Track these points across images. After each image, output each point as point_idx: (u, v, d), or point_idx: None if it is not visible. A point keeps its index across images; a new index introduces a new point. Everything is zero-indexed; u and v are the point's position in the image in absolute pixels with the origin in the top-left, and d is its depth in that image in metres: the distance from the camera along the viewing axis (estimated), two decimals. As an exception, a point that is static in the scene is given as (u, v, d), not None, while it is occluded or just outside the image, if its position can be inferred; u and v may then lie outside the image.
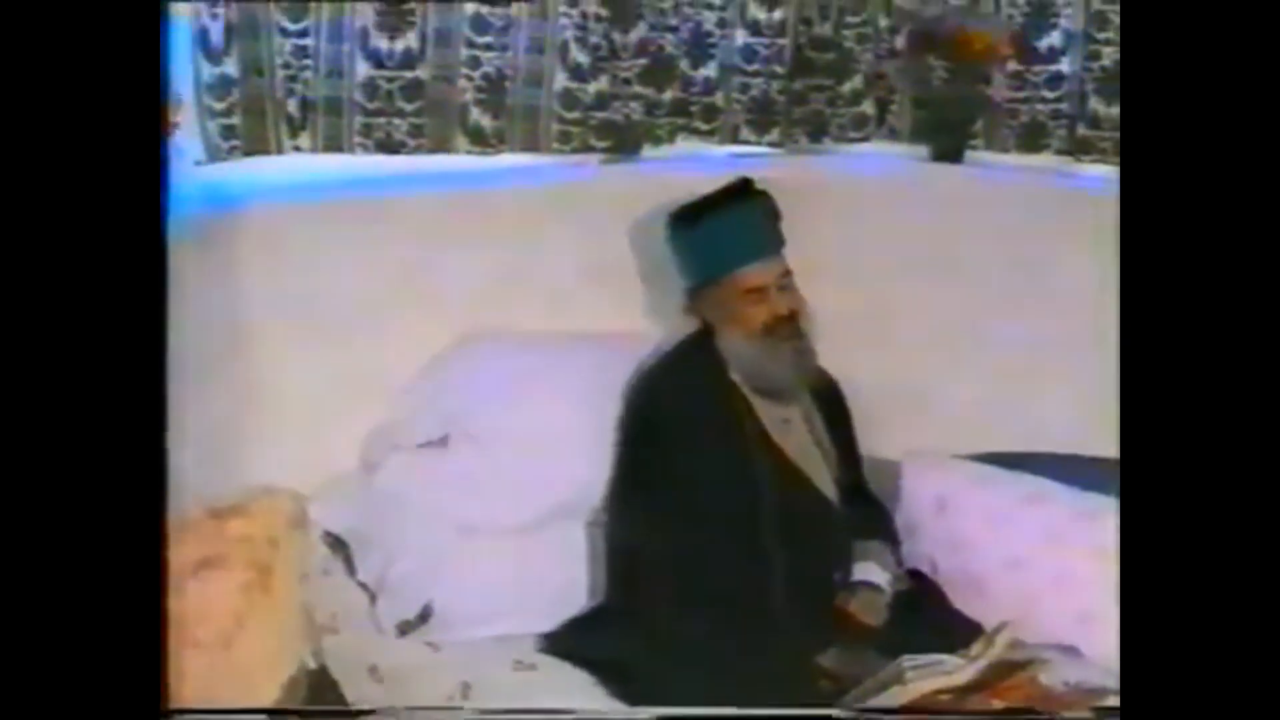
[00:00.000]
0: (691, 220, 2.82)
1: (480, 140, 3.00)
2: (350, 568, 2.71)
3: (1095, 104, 3.24)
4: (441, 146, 2.97)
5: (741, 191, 2.83)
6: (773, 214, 2.82)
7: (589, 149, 3.11)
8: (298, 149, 2.85)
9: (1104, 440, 2.61)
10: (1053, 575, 2.76)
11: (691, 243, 2.83)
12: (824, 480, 2.81)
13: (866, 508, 2.88)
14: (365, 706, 2.39)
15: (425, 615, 2.67)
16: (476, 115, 2.99)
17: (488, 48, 2.96)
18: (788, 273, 2.79)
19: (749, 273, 2.76)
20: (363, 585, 2.70)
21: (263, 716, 2.20)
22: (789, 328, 2.77)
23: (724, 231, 2.77)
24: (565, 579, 2.75)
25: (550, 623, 2.69)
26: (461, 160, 3.00)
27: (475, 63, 2.96)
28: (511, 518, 2.79)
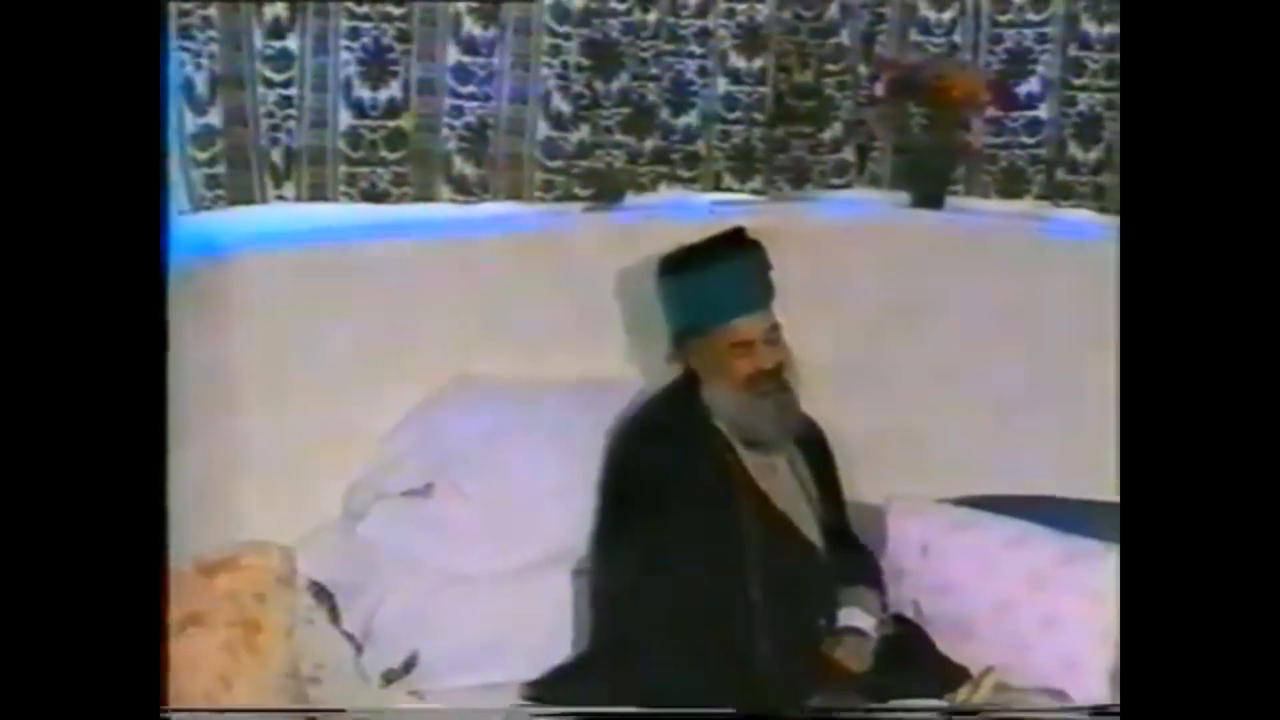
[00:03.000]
0: (683, 268, 2.82)
1: (463, 189, 3.01)
2: (335, 618, 2.71)
3: (1074, 149, 3.27)
4: (425, 195, 2.98)
5: (734, 242, 2.84)
6: (764, 265, 2.82)
7: (572, 197, 3.12)
8: (282, 199, 2.85)
9: (1088, 483, 2.81)
10: (1039, 619, 2.77)
11: (681, 291, 2.83)
12: (809, 526, 2.82)
13: (852, 553, 2.88)
14: (365, 706, 2.43)
15: (410, 664, 2.68)
16: (460, 164, 3.00)
17: (471, 97, 2.97)
18: (776, 326, 2.79)
19: (738, 326, 2.76)
20: (348, 635, 2.71)
21: (263, 716, 2.22)
22: (774, 381, 2.77)
23: (715, 282, 2.77)
24: (550, 627, 2.76)
25: (535, 671, 2.69)
26: (445, 209, 3.01)
27: (458, 112, 2.97)
28: (496, 566, 2.79)
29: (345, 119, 2.90)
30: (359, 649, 2.70)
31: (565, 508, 2.83)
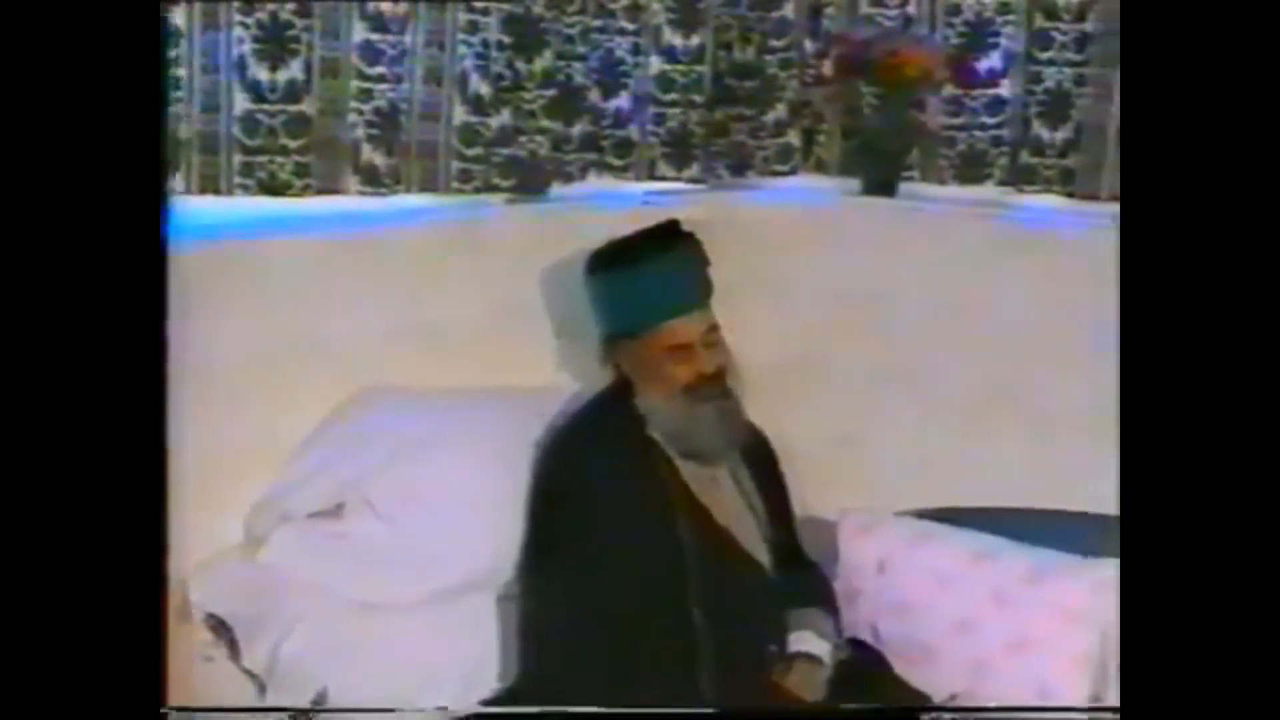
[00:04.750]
0: (613, 265, 2.80)
1: (373, 180, 2.99)
2: (235, 653, 2.66)
3: (1039, 129, 3.27)
4: (331, 187, 2.96)
5: (668, 235, 2.81)
6: (701, 261, 2.80)
7: (492, 188, 3.11)
8: (170, 192, 2.79)
9: (1057, 492, 2.92)
10: (1006, 640, 2.76)
11: (610, 290, 2.81)
12: (754, 543, 2.80)
13: (801, 572, 2.88)
14: (364, 706, 2.47)
15: (320, 702, 2.60)
16: (368, 153, 2.98)
17: (380, 79, 2.95)
18: (715, 327, 2.78)
19: (673, 328, 2.73)
20: (250, 673, 2.65)
21: (263, 716, 2.32)
22: (714, 387, 2.75)
23: (647, 280, 2.75)
24: (474, 658, 2.74)
25: (459, 706, 2.66)
26: (353, 202, 2.99)
27: (366, 95, 2.95)
28: (414, 592, 2.76)
29: (240, 103, 2.84)
30: (262, 687, 2.65)
31: (489, 527, 2.80)
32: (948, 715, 2.49)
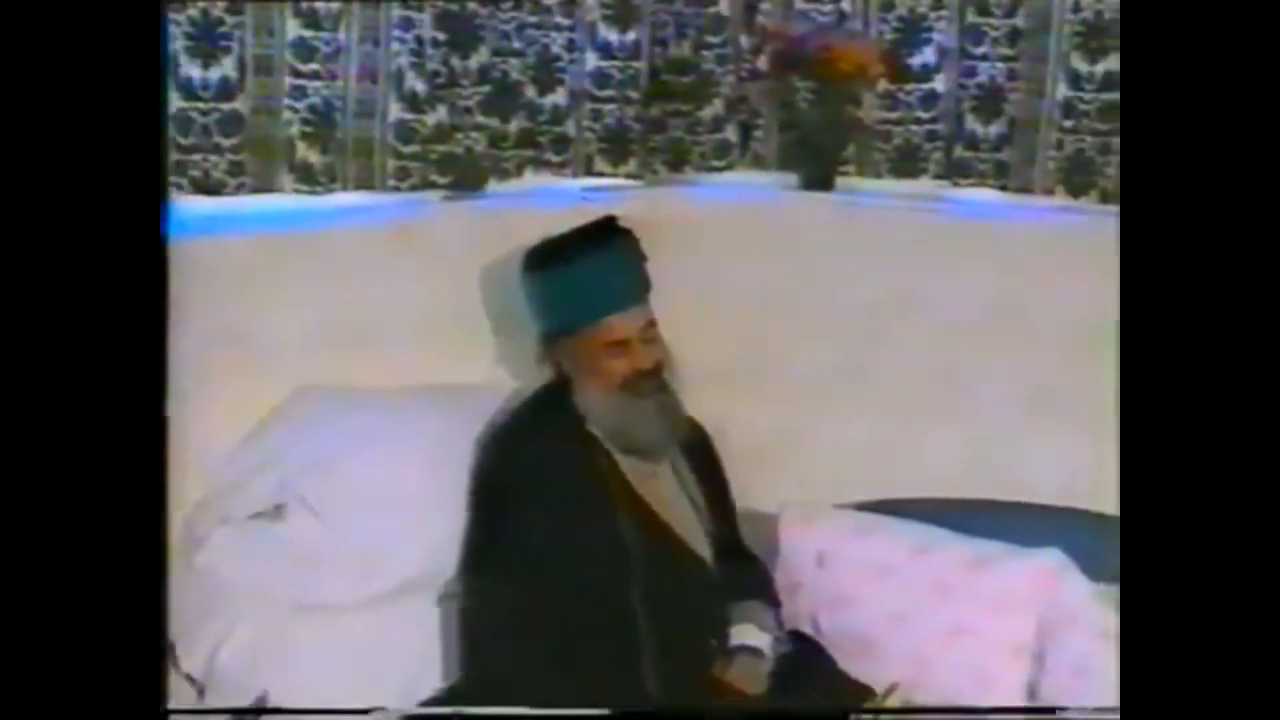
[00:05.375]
0: (548, 262, 2.79)
1: (308, 178, 2.97)
2: (174, 658, 2.63)
3: (972, 123, 3.28)
4: (266, 186, 2.93)
5: (604, 232, 2.81)
6: (638, 257, 2.80)
7: (429, 185, 3.09)
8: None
9: (992, 483, 2.98)
10: (945, 630, 2.78)
11: (547, 287, 2.80)
12: (695, 537, 2.80)
13: (742, 565, 2.88)
14: (304, 708, 2.47)
15: (260, 706, 2.59)
16: (303, 151, 2.95)
17: (314, 76, 2.93)
18: (653, 323, 2.77)
19: (611, 324, 2.74)
20: (189, 678, 2.64)
21: (262, 716, 2.31)
22: (652, 382, 2.75)
23: (585, 277, 2.75)
24: (416, 659, 2.73)
25: (401, 707, 2.64)
26: (289, 200, 2.97)
27: (300, 93, 2.93)
28: (354, 594, 2.75)
29: (173, 101, 2.81)
30: (201, 692, 2.64)
31: (429, 527, 2.79)
32: (946, 716, 2.53)
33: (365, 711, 2.46)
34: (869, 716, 2.55)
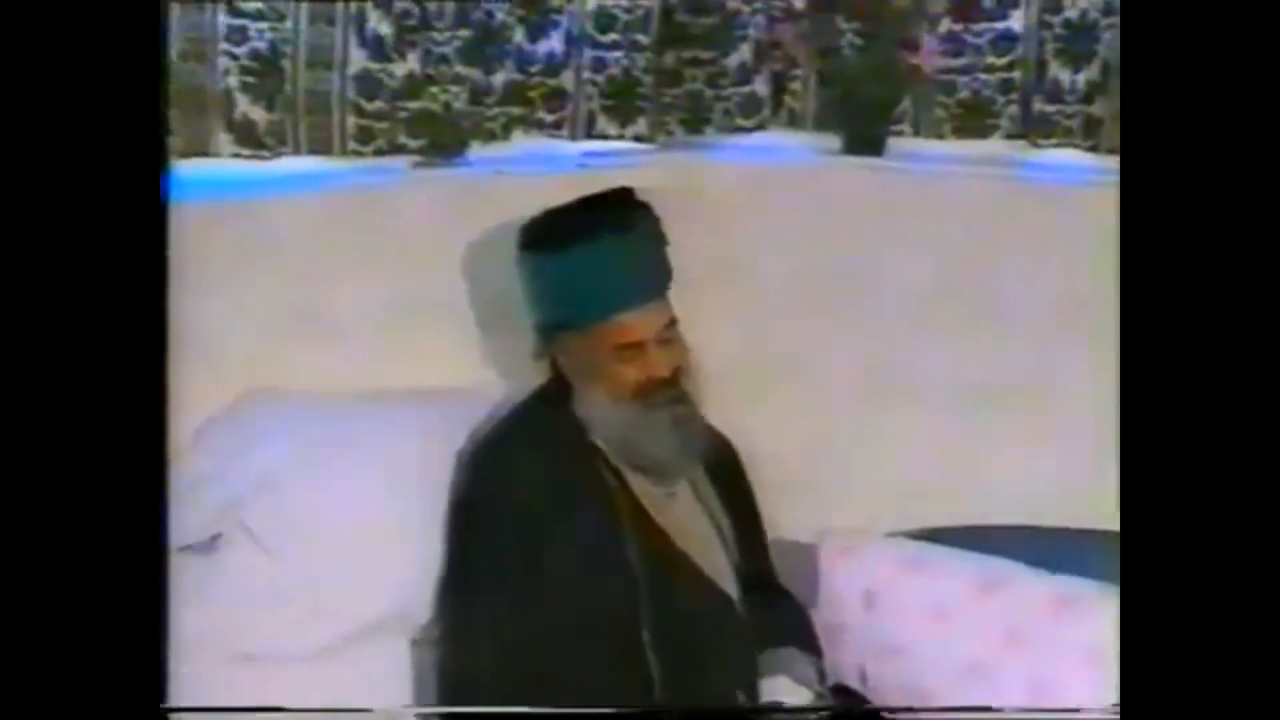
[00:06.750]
0: (554, 242, 2.76)
1: (251, 139, 2.98)
2: None
3: (1057, 70, 3.26)
4: (198, 148, 2.94)
5: (622, 208, 2.79)
6: (658, 240, 2.79)
7: (397, 150, 3.10)
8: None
9: (1079, 506, 2.89)
10: (1022, 686, 2.77)
11: (551, 273, 2.78)
12: (719, 571, 2.81)
13: (775, 605, 2.89)
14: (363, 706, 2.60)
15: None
16: (244, 106, 2.97)
17: (258, 16, 2.94)
18: (673, 321, 2.76)
19: (625, 323, 2.72)
20: None
21: (262, 716, 2.44)
22: (668, 391, 2.74)
23: (595, 265, 2.72)
24: (383, 716, 2.74)
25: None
26: (227, 165, 2.98)
27: (240, 35, 2.94)
28: (309, 640, 2.75)
29: None
30: None
31: (400, 559, 2.79)
32: (939, 715, 2.60)
33: (365, 711, 2.61)
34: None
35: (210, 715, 2.44)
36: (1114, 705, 1.89)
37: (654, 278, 2.77)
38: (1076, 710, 2.62)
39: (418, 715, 2.72)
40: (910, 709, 2.70)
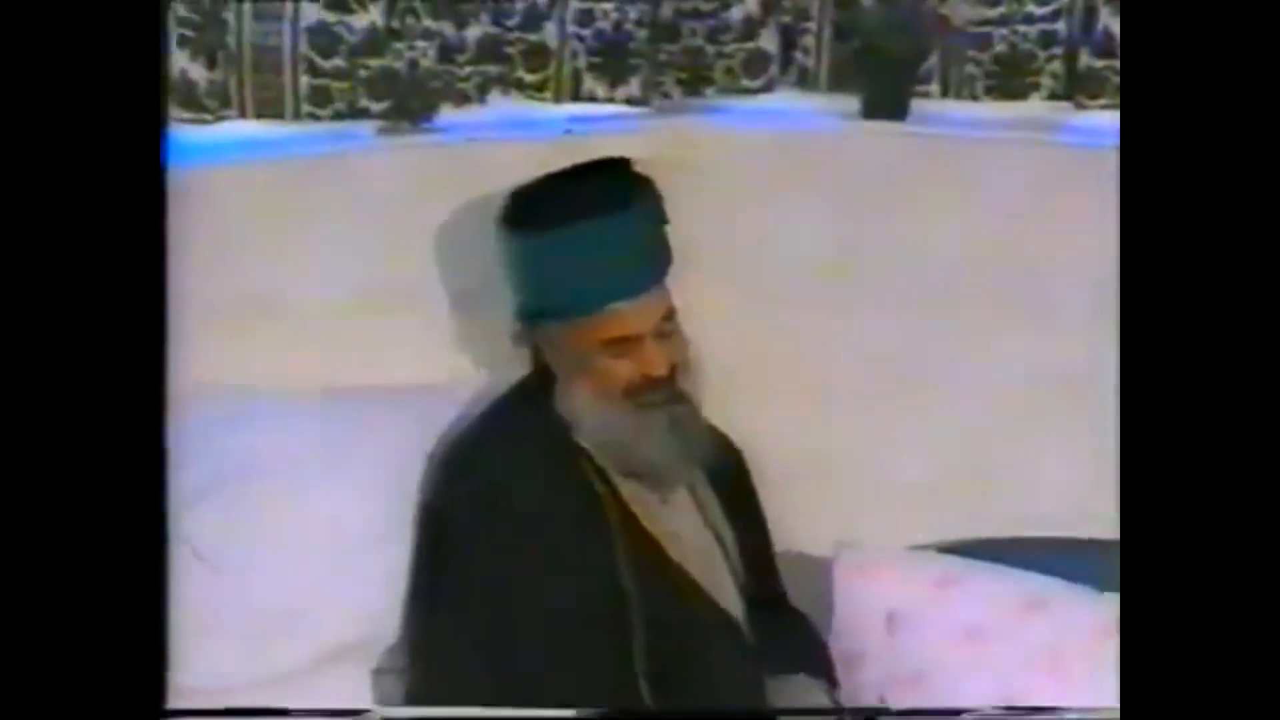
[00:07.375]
0: (540, 219, 2.74)
1: (191, 102, 2.98)
2: None
3: (1107, 19, 3.22)
4: None
5: (617, 181, 2.76)
6: (658, 220, 2.77)
7: (359, 113, 3.11)
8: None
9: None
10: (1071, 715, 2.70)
11: (537, 254, 2.75)
12: (721, 587, 2.81)
13: (785, 626, 2.90)
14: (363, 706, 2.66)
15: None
16: (183, 64, 2.96)
17: None
18: (672, 313, 2.74)
19: (619, 315, 2.70)
20: None
21: (262, 717, 2.50)
22: (666, 390, 2.72)
23: (585, 247, 2.69)
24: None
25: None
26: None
27: None
28: (256, 669, 2.72)
29: None
30: None
31: (361, 576, 2.78)
32: (946, 716, 2.62)
33: (359, 712, 2.63)
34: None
35: (210, 716, 2.48)
36: (1114, 705, 1.94)
37: (652, 263, 2.75)
38: (1076, 710, 2.61)
39: (411, 716, 2.72)
40: (910, 710, 2.72)
